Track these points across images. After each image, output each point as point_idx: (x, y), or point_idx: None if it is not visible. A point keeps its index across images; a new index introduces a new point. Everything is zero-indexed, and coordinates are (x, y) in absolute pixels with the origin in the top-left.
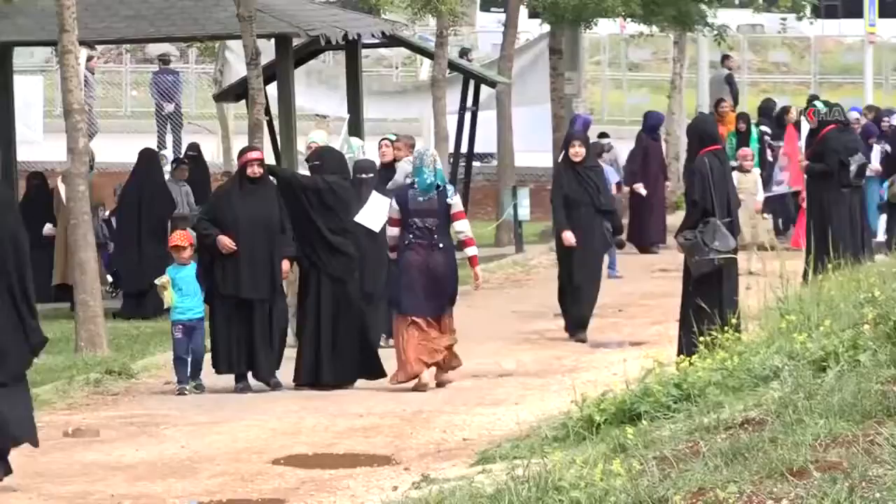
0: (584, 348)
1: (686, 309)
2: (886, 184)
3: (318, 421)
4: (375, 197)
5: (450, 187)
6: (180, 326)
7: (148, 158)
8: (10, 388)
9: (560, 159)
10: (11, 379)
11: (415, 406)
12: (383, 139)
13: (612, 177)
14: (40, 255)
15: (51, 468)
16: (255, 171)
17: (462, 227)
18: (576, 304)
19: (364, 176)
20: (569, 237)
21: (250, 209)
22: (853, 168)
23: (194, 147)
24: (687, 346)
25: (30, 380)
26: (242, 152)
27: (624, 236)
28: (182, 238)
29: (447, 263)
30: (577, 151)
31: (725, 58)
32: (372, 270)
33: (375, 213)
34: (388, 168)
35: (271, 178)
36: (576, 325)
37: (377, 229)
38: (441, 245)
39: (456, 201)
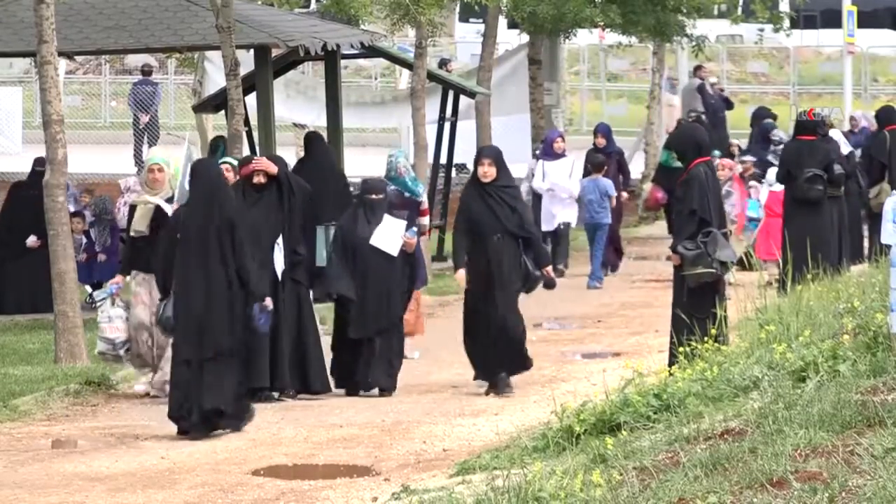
0: (563, 358)
1: (686, 319)
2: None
3: (297, 432)
4: (388, 220)
5: (420, 187)
6: None
7: (312, 143)
8: (219, 362)
9: (468, 180)
10: (218, 353)
11: (394, 416)
12: (223, 162)
13: (611, 190)
14: (26, 264)
15: (30, 479)
16: (260, 180)
17: (425, 223)
18: (482, 352)
19: (374, 197)
20: (460, 276)
21: (254, 218)
22: (802, 179)
23: (41, 162)
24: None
25: (8, 391)
26: (245, 162)
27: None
28: None
29: (417, 248)
30: (487, 171)
31: (698, 68)
32: (386, 296)
33: (390, 235)
34: None
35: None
36: (485, 373)
37: (395, 252)
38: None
39: (424, 199)
